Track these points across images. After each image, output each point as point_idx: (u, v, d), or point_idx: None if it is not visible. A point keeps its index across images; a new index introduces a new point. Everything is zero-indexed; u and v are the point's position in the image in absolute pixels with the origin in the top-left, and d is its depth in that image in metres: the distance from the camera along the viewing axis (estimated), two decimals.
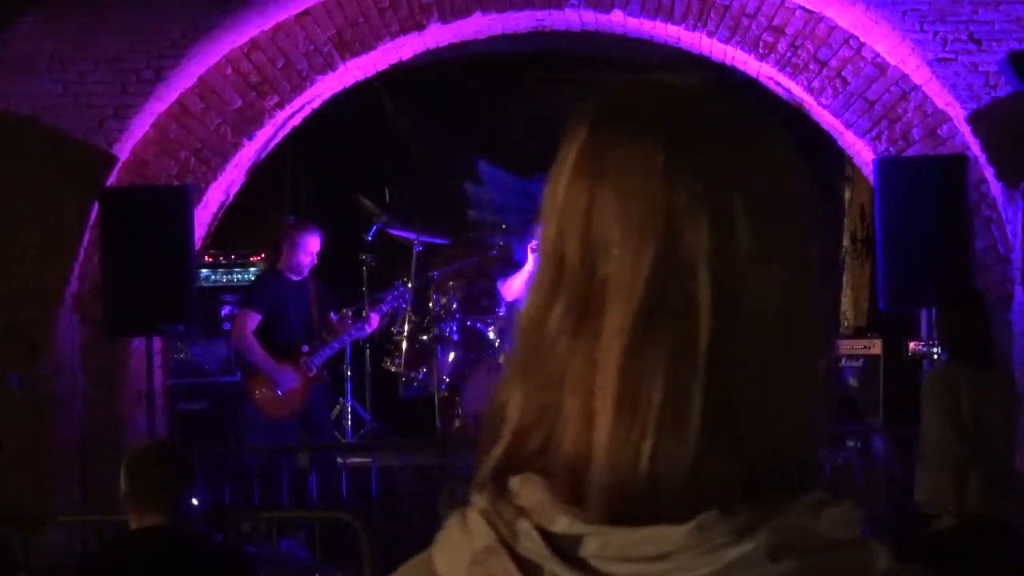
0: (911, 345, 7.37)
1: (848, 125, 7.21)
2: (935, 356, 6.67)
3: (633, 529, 0.74)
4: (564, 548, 0.75)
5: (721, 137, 0.80)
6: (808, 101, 7.36)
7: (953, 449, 4.82)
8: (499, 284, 7.61)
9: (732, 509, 0.73)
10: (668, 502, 0.74)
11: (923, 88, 7.05)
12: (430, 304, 9.11)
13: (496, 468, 0.81)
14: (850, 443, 7.20)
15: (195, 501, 6.33)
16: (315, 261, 7.34)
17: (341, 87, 7.76)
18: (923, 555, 5.00)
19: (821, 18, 7.19)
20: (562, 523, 0.75)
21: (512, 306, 7.63)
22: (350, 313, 7.92)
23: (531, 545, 0.76)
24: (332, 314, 7.59)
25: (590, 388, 0.76)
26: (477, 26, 7.56)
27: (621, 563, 0.74)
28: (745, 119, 0.82)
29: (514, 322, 0.84)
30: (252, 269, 8.78)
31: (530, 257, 7.33)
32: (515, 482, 0.79)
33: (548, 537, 0.75)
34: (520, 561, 0.75)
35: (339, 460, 7.40)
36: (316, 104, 7.78)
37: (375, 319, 7.58)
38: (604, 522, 0.75)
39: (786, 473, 0.77)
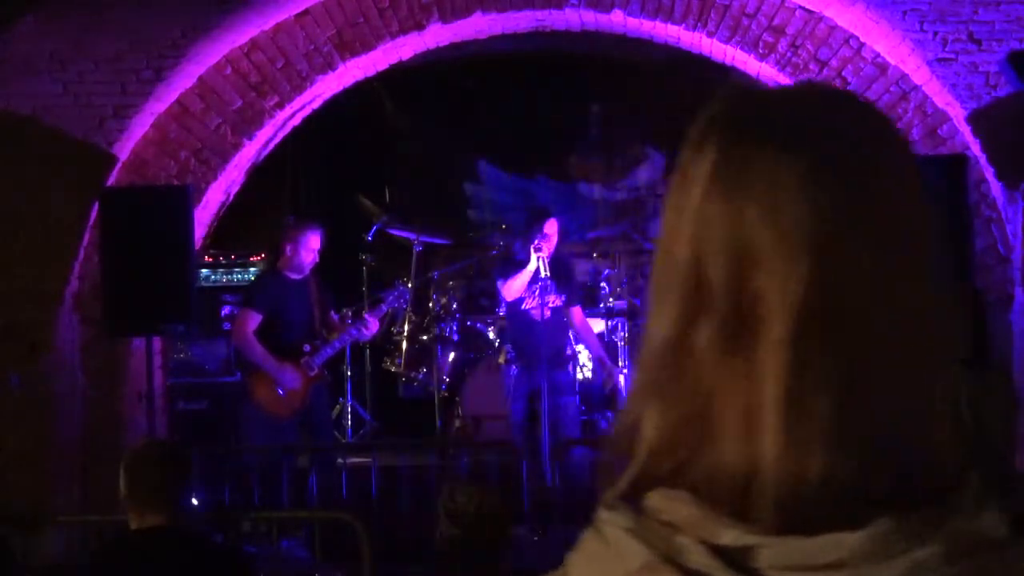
0: None
1: None
2: None
3: (808, 538, 0.74)
4: (736, 560, 0.75)
5: (859, 144, 0.81)
6: None
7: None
8: (499, 284, 7.61)
9: (904, 515, 0.75)
10: (837, 511, 0.75)
11: (923, 88, 7.05)
12: (430, 304, 9.12)
13: (631, 486, 0.81)
14: None
15: (195, 501, 6.34)
16: (317, 259, 7.34)
17: (341, 87, 7.76)
18: None
19: (821, 18, 7.19)
20: (730, 535, 0.75)
21: (513, 306, 7.62)
22: (350, 313, 7.92)
23: (701, 559, 0.75)
24: (333, 314, 7.59)
25: (749, 403, 0.76)
26: (477, 26, 7.56)
27: (798, 572, 0.74)
28: (874, 123, 0.84)
29: (642, 344, 0.83)
30: (252, 269, 8.79)
31: (533, 257, 7.32)
32: (655, 499, 0.79)
33: (715, 550, 0.75)
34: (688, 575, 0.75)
35: (339, 460, 7.40)
36: (316, 104, 7.79)
37: (374, 322, 7.58)
38: (774, 533, 0.75)
39: (926, 475, 0.79)
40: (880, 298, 0.78)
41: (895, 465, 0.77)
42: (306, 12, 7.34)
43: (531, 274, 7.37)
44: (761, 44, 7.27)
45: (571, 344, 8.02)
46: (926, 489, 0.78)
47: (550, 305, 7.40)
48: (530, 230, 7.49)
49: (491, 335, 8.77)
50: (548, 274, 7.28)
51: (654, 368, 0.81)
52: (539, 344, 7.19)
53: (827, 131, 0.81)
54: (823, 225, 0.77)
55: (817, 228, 0.77)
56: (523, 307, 7.53)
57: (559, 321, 7.57)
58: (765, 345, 0.76)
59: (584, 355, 8.58)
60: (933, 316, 0.81)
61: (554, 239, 7.46)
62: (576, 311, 7.73)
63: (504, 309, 8.09)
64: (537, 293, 7.36)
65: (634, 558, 0.77)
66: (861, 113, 0.83)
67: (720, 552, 0.75)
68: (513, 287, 7.48)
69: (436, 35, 7.52)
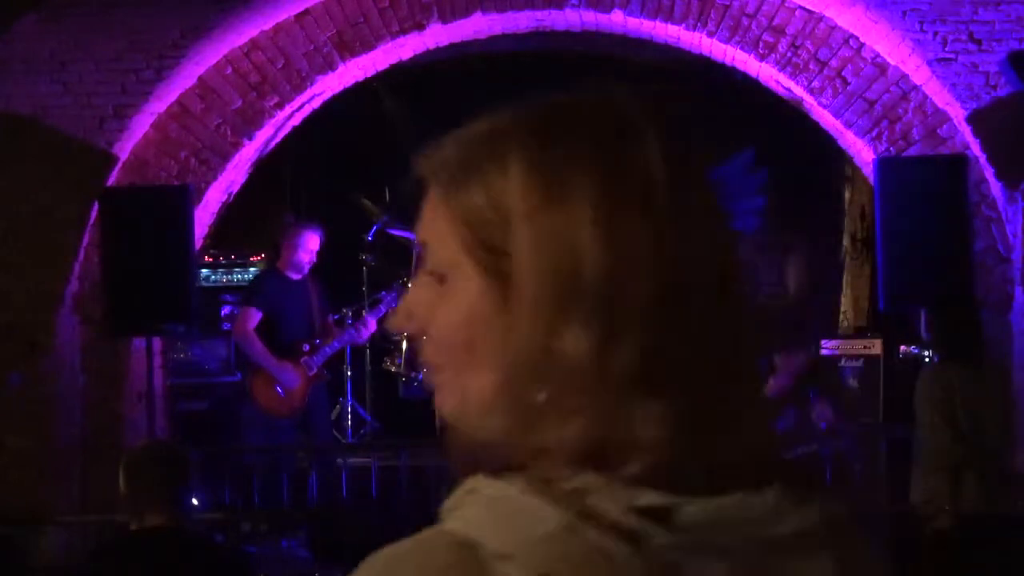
0: (901, 348, 7.39)
1: (848, 125, 7.21)
2: (926, 359, 6.69)
3: (721, 497, 0.80)
4: (660, 518, 0.79)
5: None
6: (808, 101, 7.36)
7: (947, 449, 4.82)
8: None
9: (784, 484, 0.83)
10: (732, 477, 0.81)
11: (923, 88, 7.05)
12: None
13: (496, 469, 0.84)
14: (850, 443, 7.20)
15: (195, 501, 6.34)
16: (315, 260, 7.34)
17: (341, 87, 7.76)
18: (920, 555, 5.00)
19: (821, 18, 7.19)
20: (647, 497, 0.79)
21: None
22: (350, 313, 7.92)
23: (625, 518, 0.78)
24: (332, 315, 7.59)
25: (626, 387, 0.81)
26: (477, 26, 7.56)
27: (718, 527, 0.79)
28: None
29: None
30: (252, 269, 8.79)
31: None
32: (546, 470, 0.81)
33: (637, 510, 0.79)
34: (614, 533, 0.78)
35: (339, 460, 7.40)
36: (316, 104, 7.78)
37: (372, 323, 7.58)
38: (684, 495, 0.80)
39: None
40: (713, 297, 0.84)
41: (741, 449, 0.83)
42: (306, 12, 7.34)
43: None
44: (761, 44, 7.27)
45: None
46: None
47: None
48: None
49: None
50: None
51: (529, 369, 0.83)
52: None
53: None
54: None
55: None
56: None
57: None
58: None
59: None
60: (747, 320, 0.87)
61: None
62: None
63: None
64: None
65: (550, 520, 0.78)
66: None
67: (642, 511, 0.78)
68: None
69: (436, 35, 7.52)
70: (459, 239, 0.86)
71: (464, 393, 0.87)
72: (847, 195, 10.26)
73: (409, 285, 8.76)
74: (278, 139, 7.88)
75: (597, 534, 0.77)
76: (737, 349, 0.85)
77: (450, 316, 0.86)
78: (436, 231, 0.88)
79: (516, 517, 0.79)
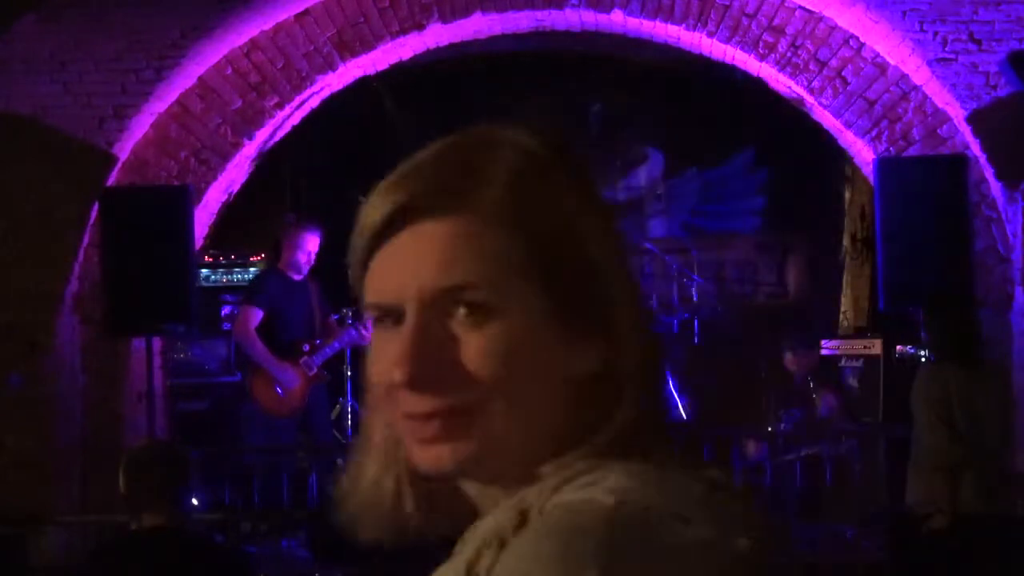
0: (898, 348, 7.38)
1: (848, 125, 7.21)
2: (923, 358, 6.69)
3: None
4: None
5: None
6: (808, 101, 7.36)
7: (945, 449, 4.82)
8: None
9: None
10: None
11: (923, 88, 7.05)
12: None
13: None
14: (850, 443, 7.20)
15: (195, 501, 6.34)
16: (312, 260, 7.34)
17: (341, 87, 7.76)
18: (917, 555, 5.01)
19: (821, 18, 7.19)
20: (712, 472, 0.88)
21: None
22: (350, 313, 7.92)
23: (726, 480, 0.88)
24: (332, 315, 7.59)
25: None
26: (477, 26, 7.56)
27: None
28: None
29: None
30: (252, 269, 8.78)
31: None
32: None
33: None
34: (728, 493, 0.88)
35: (339, 460, 7.39)
36: (315, 103, 7.78)
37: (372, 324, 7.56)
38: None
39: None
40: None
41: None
42: (306, 12, 7.34)
43: None
44: (761, 44, 7.27)
45: None
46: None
47: None
48: None
49: None
50: None
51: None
52: None
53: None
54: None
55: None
56: None
57: None
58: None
59: None
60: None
61: None
62: None
63: None
64: None
65: (696, 488, 0.85)
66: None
67: (723, 478, 0.89)
68: None
69: (436, 35, 7.52)
70: (518, 262, 0.85)
71: (505, 428, 0.86)
72: (847, 195, 10.25)
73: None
74: (277, 138, 7.89)
75: (726, 499, 0.84)
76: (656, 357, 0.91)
77: (504, 348, 0.85)
78: (479, 260, 0.85)
79: (674, 486, 0.83)
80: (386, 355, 0.87)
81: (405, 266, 0.87)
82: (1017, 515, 5.04)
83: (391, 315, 0.88)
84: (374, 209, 0.89)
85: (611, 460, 0.84)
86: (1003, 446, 5.05)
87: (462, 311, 0.85)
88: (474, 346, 0.84)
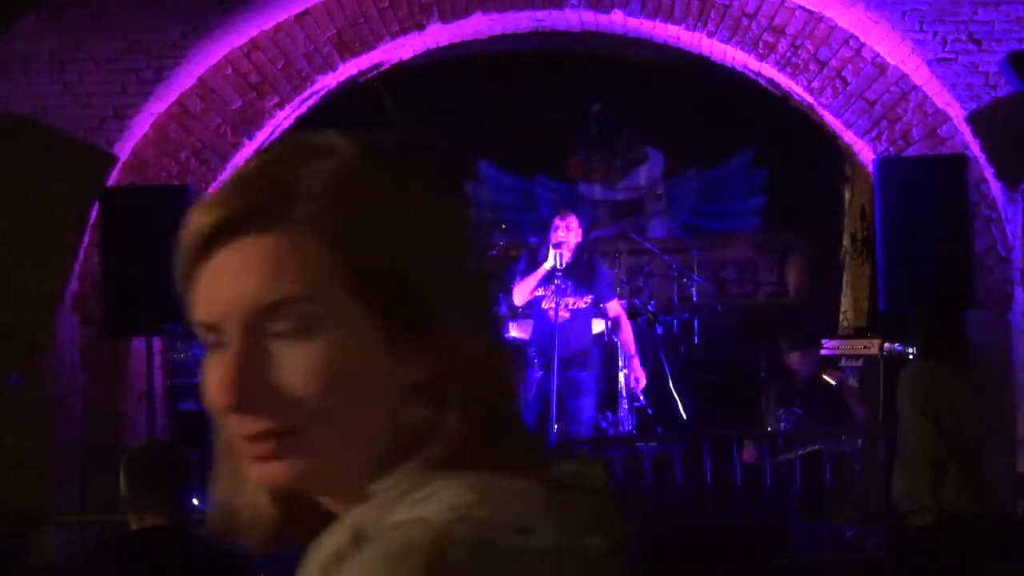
0: (885, 345, 7.39)
1: (848, 125, 7.21)
2: (910, 355, 6.69)
3: (572, 462, 0.89)
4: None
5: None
6: (808, 101, 7.36)
7: (930, 445, 4.82)
8: (516, 283, 7.54)
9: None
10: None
11: (923, 88, 7.05)
12: None
13: None
14: (850, 442, 7.20)
15: (195, 501, 6.34)
16: None
17: (341, 87, 7.76)
18: (901, 551, 5.01)
19: (821, 18, 7.19)
20: (567, 467, 0.88)
21: (535, 307, 7.50)
22: None
23: (578, 481, 0.87)
24: None
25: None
26: (477, 26, 7.56)
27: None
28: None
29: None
30: None
31: (551, 254, 7.30)
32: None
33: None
34: (579, 492, 0.88)
35: None
36: (313, 102, 7.78)
37: None
38: None
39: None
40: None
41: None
42: (306, 12, 7.34)
43: (543, 274, 7.34)
44: (761, 44, 7.27)
45: (597, 345, 7.82)
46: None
47: (570, 307, 7.35)
48: (547, 228, 7.50)
49: None
50: (562, 268, 7.24)
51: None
52: (554, 345, 7.14)
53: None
54: None
55: None
56: (543, 307, 7.48)
57: (581, 322, 7.47)
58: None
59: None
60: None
61: (572, 234, 7.41)
62: (611, 305, 7.65)
63: (504, 308, 8.07)
64: (553, 293, 7.32)
65: (540, 493, 0.83)
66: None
67: (576, 476, 0.87)
68: (521, 290, 7.46)
69: (436, 35, 7.52)
70: (339, 275, 0.83)
71: (336, 445, 0.85)
72: (847, 195, 10.26)
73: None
74: (276, 138, 7.89)
75: (571, 500, 0.83)
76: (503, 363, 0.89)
77: (329, 365, 0.84)
78: (300, 276, 0.83)
79: (514, 494, 0.81)
80: (214, 377, 0.86)
81: (228, 283, 0.86)
82: (999, 513, 5.03)
83: (216, 333, 0.87)
84: (195, 225, 0.90)
85: (446, 472, 0.82)
86: (989, 445, 5.05)
87: (285, 328, 0.84)
88: (298, 365, 0.84)
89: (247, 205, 0.86)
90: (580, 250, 7.47)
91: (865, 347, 7.83)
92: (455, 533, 0.78)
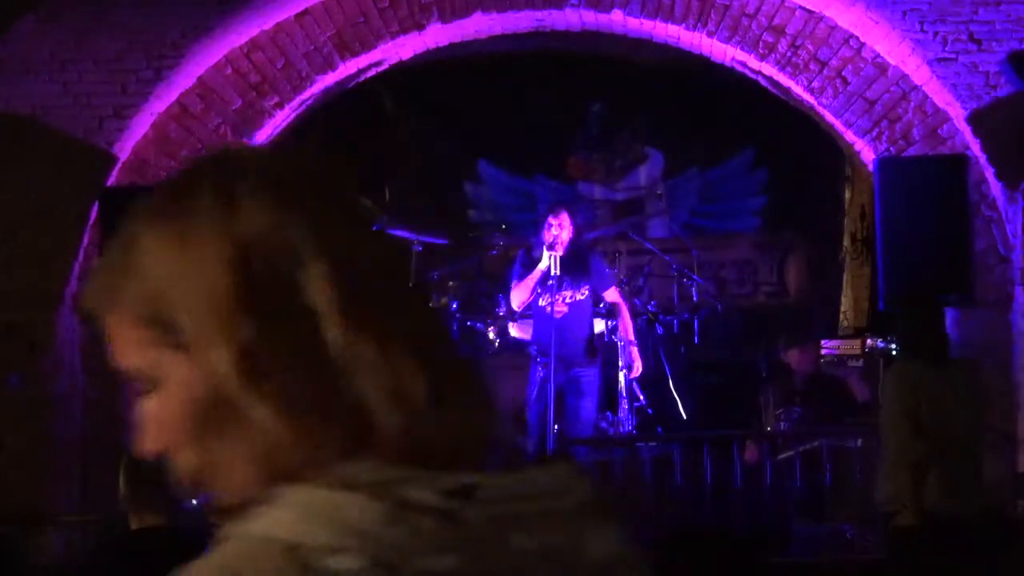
0: (867, 342, 7.38)
1: (848, 125, 7.21)
2: (893, 352, 6.69)
3: (510, 475, 0.90)
4: (465, 495, 0.86)
5: None
6: (808, 101, 7.36)
7: (910, 446, 4.82)
8: (513, 285, 7.53)
9: (553, 465, 0.93)
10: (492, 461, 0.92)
11: (923, 88, 7.05)
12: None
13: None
14: (850, 439, 7.20)
15: (195, 501, 6.34)
16: None
17: (341, 87, 7.76)
18: (892, 552, 5.01)
19: (821, 18, 7.19)
20: (447, 480, 0.86)
21: (534, 305, 7.51)
22: None
23: (437, 500, 0.85)
24: None
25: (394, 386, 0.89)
26: (477, 26, 7.56)
27: (511, 501, 0.88)
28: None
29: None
30: None
31: (545, 255, 7.29)
32: (347, 472, 0.87)
33: (444, 492, 0.86)
34: (433, 515, 0.85)
35: None
36: (312, 102, 7.78)
37: None
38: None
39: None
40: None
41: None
42: (306, 12, 7.34)
43: (540, 275, 7.33)
44: (761, 44, 7.27)
45: (598, 341, 7.79)
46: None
47: (567, 301, 7.35)
48: (540, 227, 7.49)
49: (491, 335, 8.76)
50: (558, 272, 7.23)
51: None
52: (552, 343, 7.13)
53: None
54: None
55: None
56: (541, 305, 7.47)
57: (579, 317, 7.46)
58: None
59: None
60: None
61: (564, 232, 7.40)
62: (609, 293, 7.64)
63: (504, 308, 8.07)
64: (548, 291, 7.31)
65: (373, 510, 0.83)
66: None
67: (449, 492, 0.85)
68: (517, 293, 7.46)
69: (436, 35, 7.52)
70: (152, 343, 0.92)
71: (210, 459, 0.93)
72: (847, 195, 10.26)
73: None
74: (275, 137, 7.89)
75: (419, 517, 0.83)
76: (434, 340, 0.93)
77: (176, 408, 0.92)
78: (130, 348, 0.93)
79: (337, 512, 0.83)
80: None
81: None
82: (983, 513, 5.02)
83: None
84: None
85: (294, 486, 0.86)
86: (979, 446, 5.05)
87: (139, 388, 0.95)
88: (149, 416, 0.94)
89: (92, 293, 0.97)
90: (573, 243, 7.46)
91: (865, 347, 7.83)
92: (257, 552, 0.84)
